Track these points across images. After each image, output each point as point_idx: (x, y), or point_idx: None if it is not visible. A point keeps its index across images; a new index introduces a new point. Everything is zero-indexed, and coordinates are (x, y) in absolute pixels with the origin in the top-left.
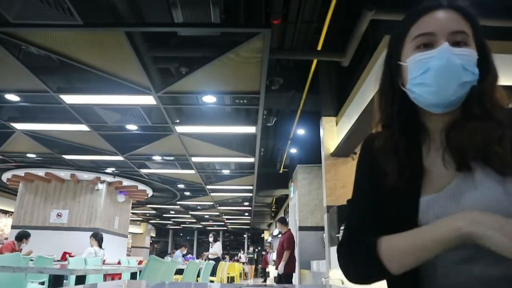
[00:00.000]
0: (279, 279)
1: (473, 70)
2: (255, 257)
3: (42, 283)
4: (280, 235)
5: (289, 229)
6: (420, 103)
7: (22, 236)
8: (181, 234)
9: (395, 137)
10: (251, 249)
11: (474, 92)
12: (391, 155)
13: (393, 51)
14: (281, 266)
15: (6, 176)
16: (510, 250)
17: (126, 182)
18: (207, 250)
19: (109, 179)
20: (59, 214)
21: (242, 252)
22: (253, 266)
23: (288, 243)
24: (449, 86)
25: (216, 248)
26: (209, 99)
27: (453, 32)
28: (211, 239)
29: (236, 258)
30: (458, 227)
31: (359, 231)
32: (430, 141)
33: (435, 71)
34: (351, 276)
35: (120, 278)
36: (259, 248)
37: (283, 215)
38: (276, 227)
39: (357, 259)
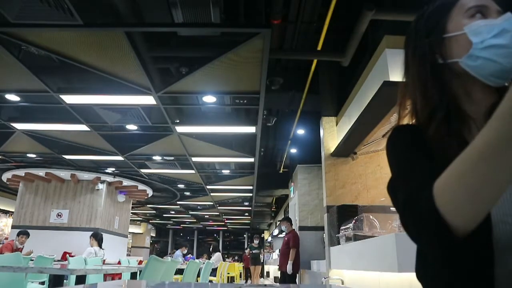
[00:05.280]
0: (283, 278)
1: None
2: (262, 253)
3: (42, 283)
4: (282, 234)
5: (294, 229)
6: (483, 72)
7: (19, 233)
8: (181, 234)
9: (448, 124)
10: (256, 242)
11: None
12: (450, 142)
13: (432, 27)
14: (290, 265)
15: (6, 176)
16: None
17: (126, 182)
18: (207, 250)
19: (109, 179)
20: (59, 214)
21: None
22: (259, 267)
23: (294, 241)
24: None
25: (215, 258)
26: (209, 99)
27: (499, 11)
28: (211, 249)
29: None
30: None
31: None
32: (472, 127)
33: None
34: (410, 234)
35: (120, 278)
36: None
37: (283, 215)
38: (276, 226)
39: (411, 207)
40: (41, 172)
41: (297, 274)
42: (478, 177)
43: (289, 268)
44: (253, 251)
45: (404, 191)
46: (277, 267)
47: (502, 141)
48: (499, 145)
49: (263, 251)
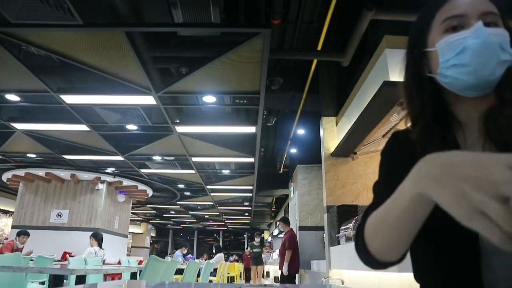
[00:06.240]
0: (282, 279)
1: (509, 50)
2: (263, 252)
3: (42, 283)
4: (282, 234)
5: (291, 229)
6: (453, 88)
7: (19, 233)
8: (181, 234)
9: (429, 129)
10: (257, 240)
11: (510, 74)
12: (431, 146)
13: (417, 39)
14: (285, 266)
15: (6, 176)
16: (455, 212)
17: (126, 182)
18: (207, 250)
19: (109, 179)
20: (59, 214)
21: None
22: (261, 268)
23: (289, 242)
24: (487, 64)
25: (216, 259)
26: (209, 99)
27: (484, 13)
28: (214, 251)
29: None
30: (407, 187)
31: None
32: (465, 132)
33: (472, 50)
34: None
35: (120, 278)
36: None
37: (283, 215)
38: (276, 226)
39: (355, 241)
40: (41, 172)
41: (297, 275)
42: (379, 227)
43: (284, 269)
44: (254, 250)
45: (366, 209)
46: (277, 266)
47: (395, 217)
48: (391, 219)
49: (264, 250)
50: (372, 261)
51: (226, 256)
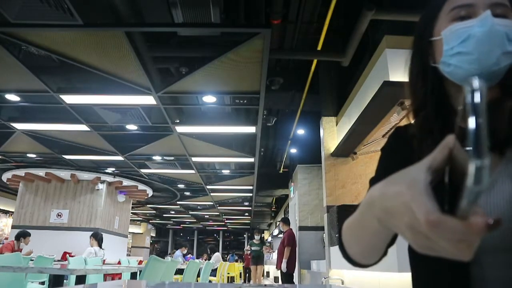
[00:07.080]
0: (281, 278)
1: None
2: (265, 251)
3: (42, 283)
4: (281, 234)
5: (291, 229)
6: (455, 77)
7: (20, 235)
8: (181, 234)
9: (428, 121)
10: (257, 238)
11: None
12: (427, 140)
13: (424, 29)
14: (284, 263)
15: (6, 176)
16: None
17: (126, 182)
18: (207, 251)
19: (109, 179)
20: (59, 214)
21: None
22: (261, 268)
23: (288, 239)
24: (492, 53)
25: (215, 258)
26: (209, 99)
27: (494, 3)
28: (209, 252)
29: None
30: (373, 219)
31: None
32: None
33: (477, 38)
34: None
35: (120, 278)
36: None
37: (283, 215)
38: (276, 226)
39: (338, 241)
40: (41, 172)
41: (294, 274)
42: (352, 235)
43: (283, 266)
44: (254, 248)
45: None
46: (276, 266)
47: (360, 221)
48: (358, 224)
49: (265, 249)
50: (353, 262)
51: (225, 255)
